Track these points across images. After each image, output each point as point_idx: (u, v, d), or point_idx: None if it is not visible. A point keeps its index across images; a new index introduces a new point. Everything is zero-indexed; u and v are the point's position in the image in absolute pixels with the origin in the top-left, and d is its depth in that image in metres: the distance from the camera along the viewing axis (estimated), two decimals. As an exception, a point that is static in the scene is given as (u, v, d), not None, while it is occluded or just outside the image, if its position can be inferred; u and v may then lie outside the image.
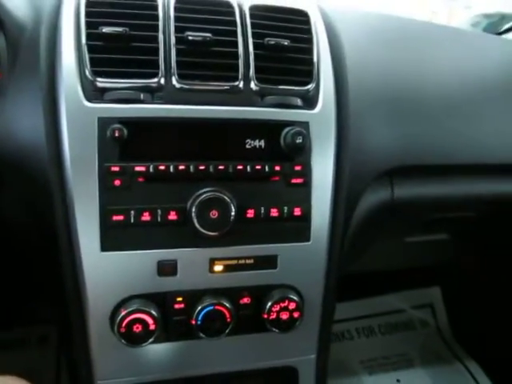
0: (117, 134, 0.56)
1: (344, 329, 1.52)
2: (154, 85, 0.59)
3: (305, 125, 0.63)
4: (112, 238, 0.58)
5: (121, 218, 0.57)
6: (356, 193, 0.70)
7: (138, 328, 0.58)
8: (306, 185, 0.63)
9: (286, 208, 0.62)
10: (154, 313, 0.58)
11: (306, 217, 0.64)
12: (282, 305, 0.63)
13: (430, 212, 0.85)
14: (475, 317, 1.46)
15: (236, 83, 0.61)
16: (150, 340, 0.59)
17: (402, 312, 1.57)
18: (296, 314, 0.63)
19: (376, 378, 1.41)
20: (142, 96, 0.58)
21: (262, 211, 0.62)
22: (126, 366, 0.63)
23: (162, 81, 0.59)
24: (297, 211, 0.63)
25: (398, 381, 1.41)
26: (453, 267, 1.45)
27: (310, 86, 0.64)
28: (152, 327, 0.58)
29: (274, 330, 0.63)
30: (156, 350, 0.63)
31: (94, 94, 0.58)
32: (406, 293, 1.58)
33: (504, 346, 1.34)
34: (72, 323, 0.61)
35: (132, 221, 0.58)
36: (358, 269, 1.05)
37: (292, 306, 0.63)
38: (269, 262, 0.63)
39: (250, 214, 0.61)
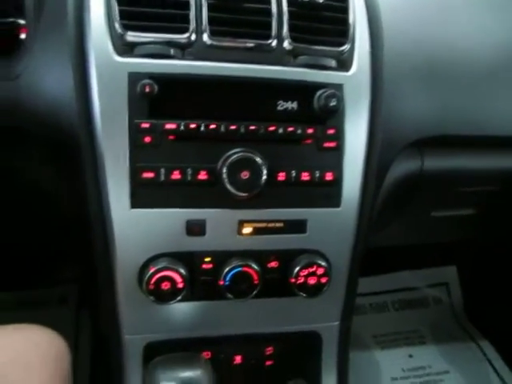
0: (147, 90, 0.55)
1: (358, 303, 1.51)
2: (184, 40, 0.57)
3: (339, 87, 0.61)
4: (142, 196, 0.57)
5: (151, 175, 0.57)
6: (386, 161, 0.68)
7: (166, 285, 0.58)
8: (339, 149, 0.62)
9: (317, 172, 0.61)
10: (182, 271, 0.58)
11: (338, 182, 0.62)
12: (310, 270, 0.62)
13: (459, 185, 0.83)
14: (490, 297, 1.45)
15: (269, 42, 0.59)
16: (178, 298, 0.59)
17: (416, 289, 1.56)
18: (324, 280, 0.63)
19: (388, 353, 1.42)
20: (172, 51, 0.56)
21: (293, 174, 0.60)
22: (153, 322, 0.64)
23: (193, 37, 0.57)
24: (328, 176, 0.62)
25: (410, 356, 1.41)
26: (471, 247, 1.43)
27: (345, 47, 0.62)
28: (180, 285, 0.58)
29: (301, 294, 0.63)
30: (183, 308, 0.63)
31: (124, 48, 0.56)
32: (422, 271, 1.57)
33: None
34: (100, 280, 0.62)
35: (162, 179, 0.57)
36: (377, 243, 1.04)
37: (320, 271, 0.62)
38: (298, 226, 0.63)
39: (281, 176, 0.60)
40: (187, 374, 0.46)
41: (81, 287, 1.21)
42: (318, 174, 0.61)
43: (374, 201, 0.68)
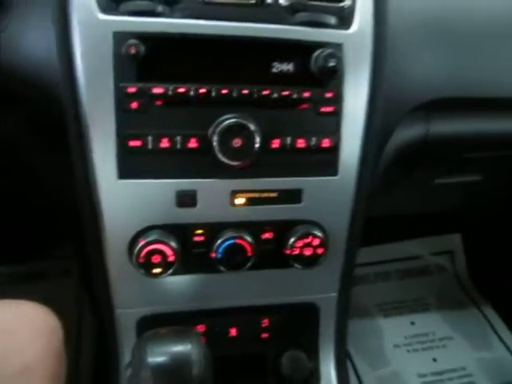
0: (133, 51, 0.51)
1: (361, 273, 1.51)
2: None
3: (338, 47, 0.57)
4: (129, 165, 0.55)
5: (138, 143, 0.54)
6: (389, 126, 0.65)
7: (156, 259, 0.56)
8: (337, 114, 0.58)
9: (313, 139, 0.58)
10: (173, 244, 0.57)
11: (335, 149, 0.59)
12: (306, 241, 0.60)
13: (465, 150, 0.79)
14: (495, 263, 1.44)
15: None
16: (169, 271, 0.57)
17: (420, 258, 1.56)
18: (320, 251, 0.61)
19: (391, 320, 1.42)
20: (159, 8, 0.52)
21: (288, 141, 0.57)
22: (145, 296, 0.62)
23: None
24: (325, 143, 0.58)
25: (412, 323, 1.42)
26: (476, 214, 1.40)
27: (346, 3, 0.57)
28: (171, 259, 0.56)
29: (296, 265, 0.61)
30: (176, 281, 0.62)
31: (109, 4, 0.52)
32: (426, 239, 1.55)
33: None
34: (90, 253, 0.60)
35: (150, 147, 0.54)
36: (380, 212, 1.01)
37: (316, 242, 0.60)
38: (293, 196, 0.60)
39: (276, 144, 0.57)
40: (177, 348, 0.45)
41: (80, 260, 1.21)
42: (314, 141, 0.58)
43: (375, 168, 0.65)
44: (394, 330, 1.39)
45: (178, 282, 0.62)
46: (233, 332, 0.67)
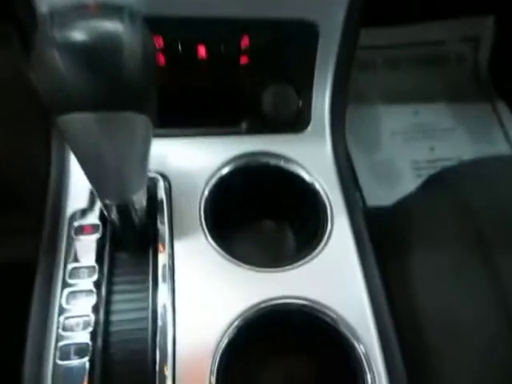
0: None
1: (368, 57, 1.34)
2: None
3: None
4: None
5: None
6: None
7: None
8: None
9: None
10: None
11: None
12: None
13: None
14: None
15: None
16: None
17: (439, 44, 1.36)
18: None
19: (393, 109, 1.31)
20: None
21: None
22: None
23: None
24: None
25: (415, 113, 1.32)
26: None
27: None
28: None
29: None
30: None
31: None
32: (451, 21, 1.32)
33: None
34: None
35: None
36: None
37: None
38: None
39: None
40: (100, 23, 0.30)
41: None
42: None
43: None
44: (394, 117, 1.32)
45: None
46: (201, 52, 0.49)
